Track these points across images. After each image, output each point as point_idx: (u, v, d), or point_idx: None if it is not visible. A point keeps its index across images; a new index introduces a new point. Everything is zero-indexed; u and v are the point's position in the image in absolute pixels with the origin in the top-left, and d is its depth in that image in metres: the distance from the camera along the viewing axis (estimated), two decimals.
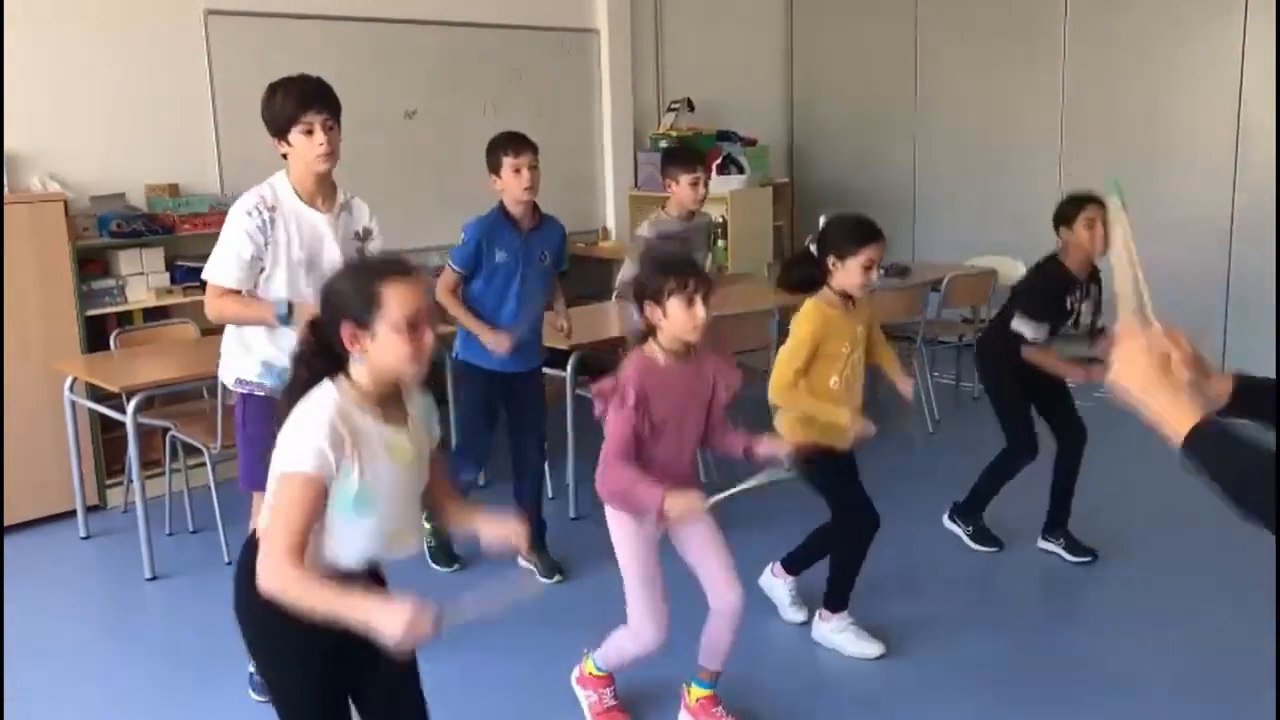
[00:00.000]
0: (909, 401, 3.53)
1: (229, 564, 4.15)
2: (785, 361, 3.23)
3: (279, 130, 3.14)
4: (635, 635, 2.89)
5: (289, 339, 3.02)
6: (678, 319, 2.68)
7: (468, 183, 6.60)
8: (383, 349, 1.96)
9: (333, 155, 3.19)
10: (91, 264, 4.91)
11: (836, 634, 3.44)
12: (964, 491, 4.23)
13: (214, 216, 5.19)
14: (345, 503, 1.96)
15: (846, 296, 3.26)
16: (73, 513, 4.59)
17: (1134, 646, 3.47)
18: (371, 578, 2.14)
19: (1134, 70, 6.76)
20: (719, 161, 7.02)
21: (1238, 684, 3.20)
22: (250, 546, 2.09)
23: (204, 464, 4.28)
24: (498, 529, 2.16)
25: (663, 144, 7.23)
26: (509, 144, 3.92)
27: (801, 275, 3.30)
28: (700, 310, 2.67)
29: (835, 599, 3.46)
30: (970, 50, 7.43)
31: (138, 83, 5.24)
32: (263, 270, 3.13)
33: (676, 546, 2.93)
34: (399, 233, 6.21)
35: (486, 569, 4.11)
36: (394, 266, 2.01)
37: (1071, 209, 3.90)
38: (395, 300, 1.94)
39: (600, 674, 3.07)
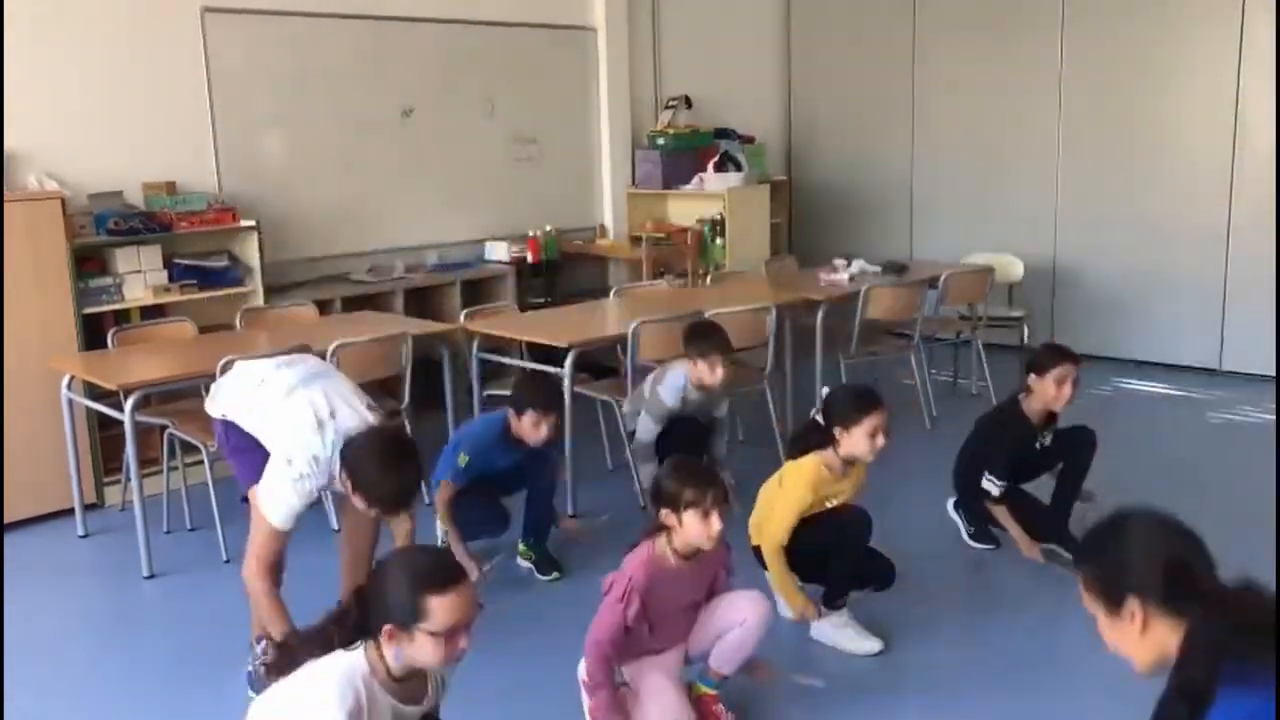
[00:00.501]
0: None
1: (227, 562, 4.15)
2: (781, 518, 3.34)
3: (361, 486, 2.91)
4: None
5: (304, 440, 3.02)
6: (693, 530, 2.73)
7: (465, 181, 6.64)
8: (419, 650, 2.02)
9: None
10: (89, 262, 4.90)
11: (836, 630, 3.44)
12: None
13: (211, 214, 5.20)
14: None
15: (849, 462, 3.38)
16: (70, 511, 4.58)
17: None
18: None
19: (1131, 68, 6.76)
20: (716, 159, 7.03)
21: None
22: None
23: (202, 462, 4.28)
24: None
25: (660, 141, 7.25)
26: (539, 400, 3.80)
27: (810, 444, 3.42)
28: (716, 523, 2.71)
29: (836, 595, 3.46)
30: (968, 47, 7.44)
31: (135, 80, 5.24)
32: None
33: (704, 647, 2.98)
34: (397, 230, 6.27)
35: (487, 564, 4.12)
36: (445, 576, 2.03)
37: (1047, 360, 3.95)
38: (440, 612, 1.99)
39: None
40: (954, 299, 6.05)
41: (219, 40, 5.48)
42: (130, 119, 5.23)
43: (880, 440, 3.31)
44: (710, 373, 4.21)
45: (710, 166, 6.99)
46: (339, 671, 2.02)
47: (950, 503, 4.32)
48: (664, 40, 7.57)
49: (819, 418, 3.43)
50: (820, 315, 5.41)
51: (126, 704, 3.26)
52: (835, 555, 3.42)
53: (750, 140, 7.59)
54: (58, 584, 4.16)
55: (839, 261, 6.10)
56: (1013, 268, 6.82)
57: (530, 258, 6.55)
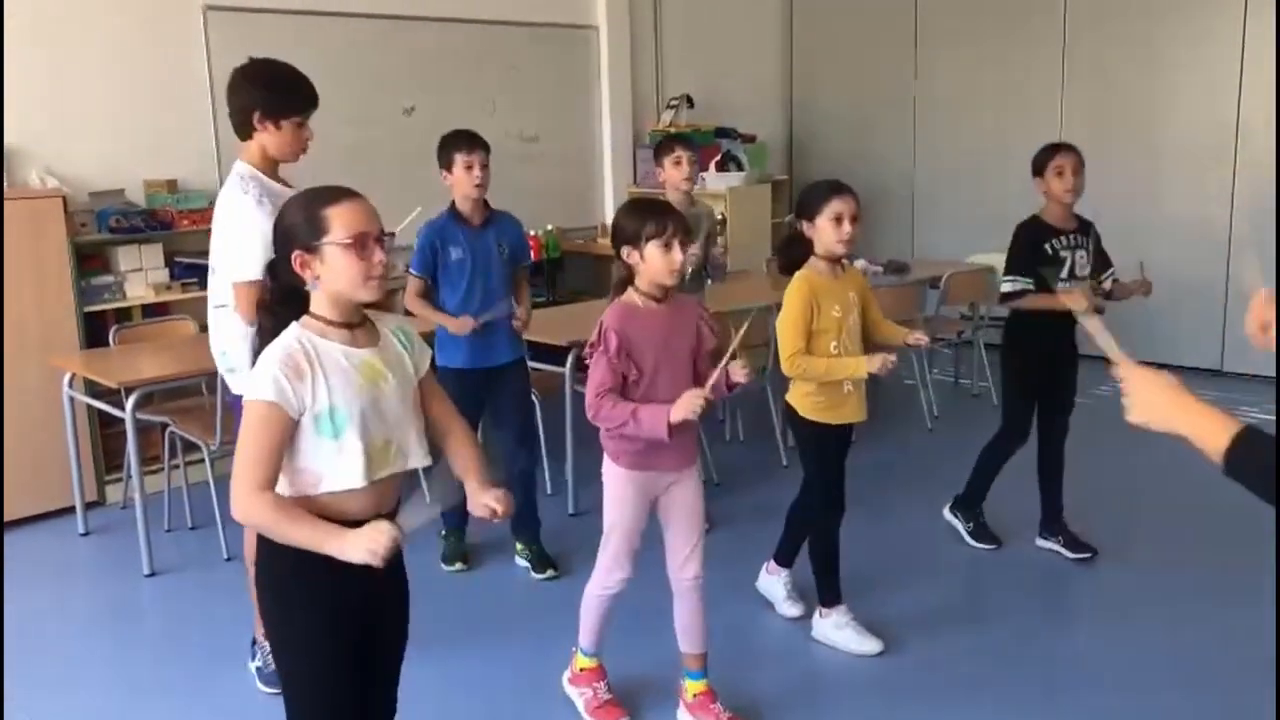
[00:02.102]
0: (925, 344, 3.46)
1: (228, 560, 4.15)
2: (788, 337, 3.22)
3: (272, 113, 3.09)
4: (605, 576, 2.92)
5: None
6: (655, 263, 2.72)
7: None
8: (333, 270, 1.98)
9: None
10: (90, 260, 4.91)
11: (836, 630, 3.44)
12: (963, 487, 4.24)
13: (213, 212, 5.18)
14: (324, 425, 1.97)
15: (835, 262, 3.28)
16: (72, 509, 4.59)
17: (1134, 643, 3.47)
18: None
19: (1134, 69, 6.76)
20: (718, 159, 7.02)
21: (1237, 680, 3.20)
22: None
23: (202, 460, 4.28)
24: (483, 498, 2.13)
25: (662, 140, 7.23)
26: (461, 141, 3.90)
27: (794, 253, 3.33)
28: (678, 254, 2.70)
29: (827, 592, 3.46)
30: (970, 46, 7.43)
31: (137, 78, 5.23)
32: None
33: (660, 515, 2.94)
34: (398, 229, 6.24)
35: (491, 567, 4.12)
36: (338, 191, 2.03)
37: (1043, 157, 3.93)
38: (339, 220, 1.97)
39: (589, 664, 3.08)
40: (955, 298, 6.05)
41: (221, 38, 5.48)
42: (132, 117, 5.22)
43: (847, 227, 3.17)
44: (676, 170, 4.33)
45: (712, 166, 6.99)
46: (275, 342, 2.00)
47: (946, 507, 4.31)
48: (665, 39, 7.57)
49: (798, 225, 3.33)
50: None
51: (126, 702, 3.26)
52: (814, 542, 3.44)
53: (752, 139, 7.59)
54: (58, 582, 4.17)
55: None
56: None
57: (531, 256, 6.54)
